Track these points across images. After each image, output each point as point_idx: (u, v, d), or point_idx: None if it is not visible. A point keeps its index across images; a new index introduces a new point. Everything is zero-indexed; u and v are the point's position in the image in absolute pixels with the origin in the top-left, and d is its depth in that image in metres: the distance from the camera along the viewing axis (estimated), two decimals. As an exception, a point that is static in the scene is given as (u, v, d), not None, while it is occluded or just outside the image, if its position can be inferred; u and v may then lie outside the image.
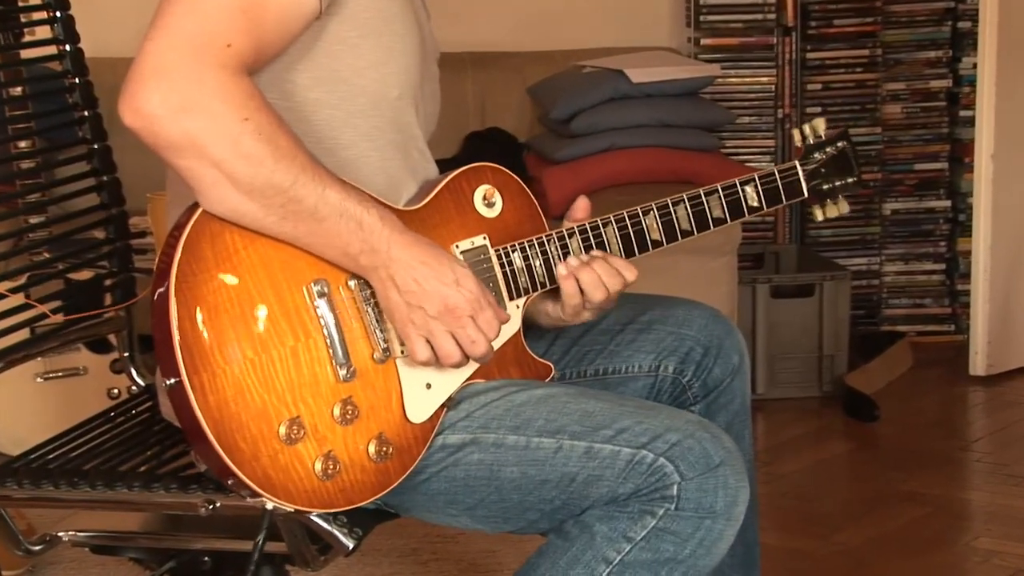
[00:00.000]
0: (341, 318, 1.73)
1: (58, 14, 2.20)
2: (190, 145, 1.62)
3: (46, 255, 2.42)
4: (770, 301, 4.27)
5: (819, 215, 2.14)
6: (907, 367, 4.56)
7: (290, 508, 1.67)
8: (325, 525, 1.76)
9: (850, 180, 2.11)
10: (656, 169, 4.25)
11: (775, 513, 3.36)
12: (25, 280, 2.22)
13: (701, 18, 4.73)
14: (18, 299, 2.09)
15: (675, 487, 1.69)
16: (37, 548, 2.00)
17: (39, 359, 3.41)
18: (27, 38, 2.24)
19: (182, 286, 1.63)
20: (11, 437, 3.50)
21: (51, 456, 1.98)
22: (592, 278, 1.90)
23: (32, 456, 1.98)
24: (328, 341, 1.71)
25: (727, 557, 2.06)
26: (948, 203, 4.85)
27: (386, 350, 1.76)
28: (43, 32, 2.24)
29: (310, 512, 1.71)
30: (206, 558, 1.96)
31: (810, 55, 4.78)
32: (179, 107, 1.60)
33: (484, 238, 1.89)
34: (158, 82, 1.60)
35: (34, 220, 2.47)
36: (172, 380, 1.63)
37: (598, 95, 4.24)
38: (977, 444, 3.87)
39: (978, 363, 4.43)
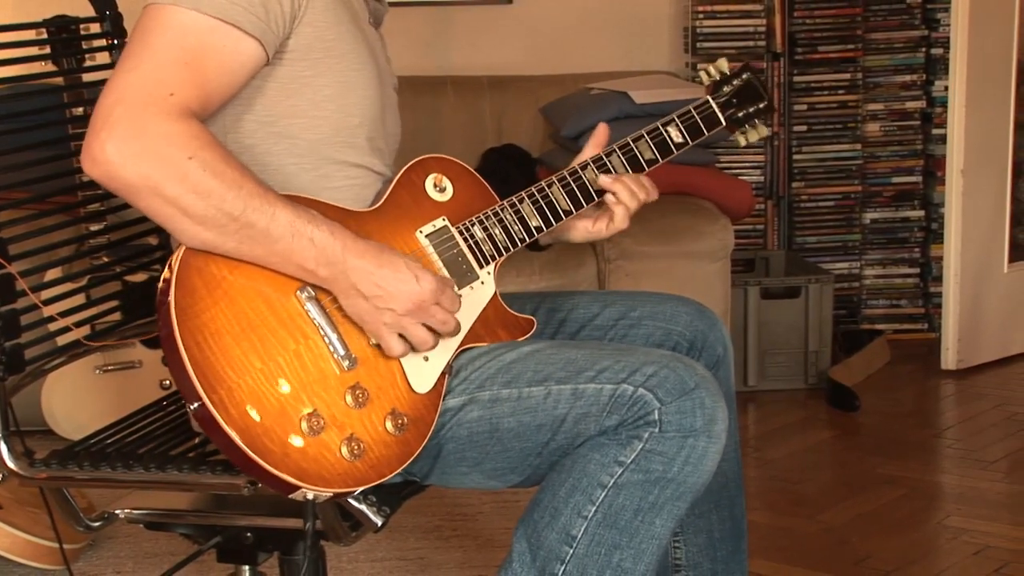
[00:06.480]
0: (333, 316, 1.72)
1: (116, 42, 2.22)
2: (145, 186, 1.63)
3: (105, 259, 2.42)
4: (760, 302, 4.26)
5: (741, 141, 2.14)
6: (885, 362, 4.55)
7: (329, 493, 1.66)
8: (356, 504, 1.76)
9: (761, 106, 2.11)
10: (657, 182, 4.20)
11: (764, 494, 3.36)
12: (86, 281, 2.22)
13: (698, 45, 4.72)
14: (79, 299, 2.09)
15: (656, 412, 1.69)
16: (96, 524, 2.01)
17: (98, 353, 3.41)
18: (88, 63, 2.24)
19: (183, 319, 1.63)
20: (73, 424, 3.51)
21: (109, 441, 1.98)
22: (627, 188, 1.98)
23: (92, 441, 1.98)
24: (326, 339, 1.71)
25: (716, 531, 2.07)
26: (922, 213, 4.83)
27: None
28: (103, 58, 2.24)
29: (349, 493, 1.70)
30: (248, 534, 1.96)
31: (797, 78, 4.76)
32: (130, 154, 1.61)
33: (443, 219, 1.89)
34: (108, 133, 1.61)
35: (94, 228, 2.46)
36: (195, 404, 1.62)
37: (604, 114, 4.21)
38: (948, 432, 3.86)
39: (949, 358, 4.43)
